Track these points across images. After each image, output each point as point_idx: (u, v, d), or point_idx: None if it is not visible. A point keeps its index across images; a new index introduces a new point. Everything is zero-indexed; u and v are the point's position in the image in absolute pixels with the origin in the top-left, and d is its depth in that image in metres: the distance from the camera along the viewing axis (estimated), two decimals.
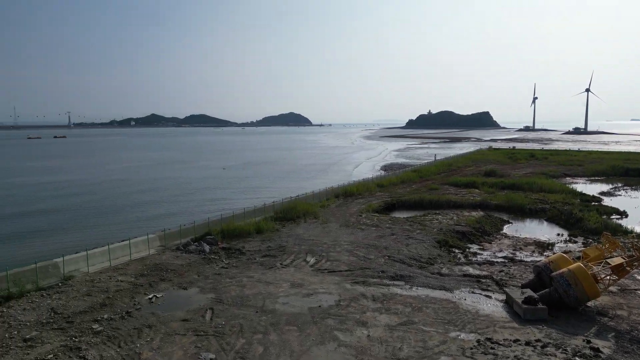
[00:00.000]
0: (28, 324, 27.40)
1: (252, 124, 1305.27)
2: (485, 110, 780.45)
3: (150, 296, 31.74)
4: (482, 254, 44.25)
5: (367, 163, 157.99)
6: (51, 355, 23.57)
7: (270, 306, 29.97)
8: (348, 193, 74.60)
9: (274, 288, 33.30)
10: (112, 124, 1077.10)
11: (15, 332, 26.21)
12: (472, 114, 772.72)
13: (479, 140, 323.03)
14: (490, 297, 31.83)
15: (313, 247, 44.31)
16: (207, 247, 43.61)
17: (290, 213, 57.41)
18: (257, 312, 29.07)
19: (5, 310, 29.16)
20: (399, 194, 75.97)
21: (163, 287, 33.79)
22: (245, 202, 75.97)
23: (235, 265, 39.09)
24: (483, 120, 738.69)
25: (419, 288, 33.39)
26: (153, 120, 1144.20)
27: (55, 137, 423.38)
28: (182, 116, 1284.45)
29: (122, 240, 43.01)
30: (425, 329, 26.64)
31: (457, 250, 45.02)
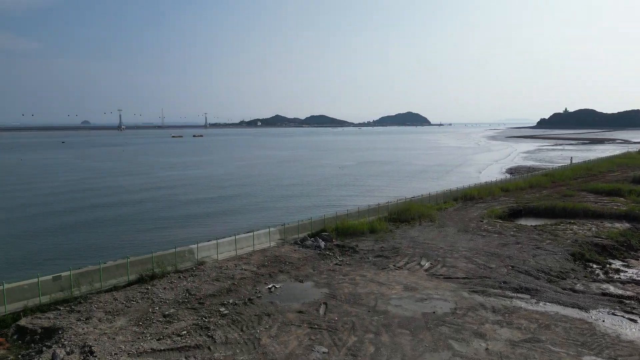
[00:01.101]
0: (167, 301, 30.99)
1: (368, 124, 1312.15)
2: (636, 108, 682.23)
3: (269, 286, 33.72)
4: (626, 271, 38.73)
5: (490, 165, 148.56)
6: (185, 332, 26.33)
7: (382, 307, 29.82)
8: (468, 196, 70.92)
9: (386, 289, 33.06)
10: (241, 124, 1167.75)
11: (157, 308, 29.83)
12: (619, 113, 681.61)
13: (626, 142, 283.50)
14: (636, 321, 27.72)
15: (428, 250, 43.01)
16: (322, 243, 44.94)
17: (404, 214, 56.46)
18: (369, 311, 29.13)
19: (149, 287, 33.36)
20: (526, 199, 70.01)
21: (281, 278, 35.64)
22: (360, 201, 76.60)
23: (348, 263, 39.66)
24: (632, 120, 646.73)
25: (547, 304, 30.39)
26: (277, 121, 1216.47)
27: (194, 135, 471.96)
28: (303, 117, 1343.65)
29: (247, 232, 46.33)
30: (554, 349, 24.15)
31: (595, 266, 40.04)
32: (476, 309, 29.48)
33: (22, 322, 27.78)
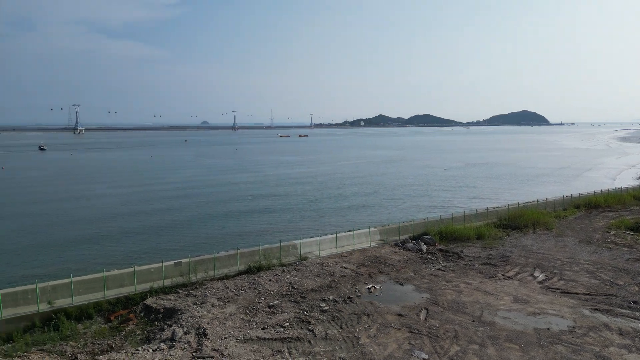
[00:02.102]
0: (272, 293, 32.55)
1: (478, 124, 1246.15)
2: None
3: (369, 286, 33.69)
4: None
5: (625, 170, 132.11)
6: (287, 324, 27.42)
7: (488, 318, 28.11)
8: (592, 204, 63.81)
9: (493, 299, 31.10)
10: (344, 124, 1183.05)
11: (263, 299, 31.48)
12: None
13: None
14: None
15: (542, 261, 39.56)
16: (424, 247, 43.71)
17: (516, 221, 52.59)
18: (473, 321, 27.65)
19: (256, 278, 35.33)
20: None
21: (381, 279, 35.40)
22: (466, 204, 73.07)
23: (452, 269, 38.06)
24: None
25: None
26: (380, 121, 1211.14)
27: (299, 135, 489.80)
28: (406, 116, 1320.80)
29: (348, 231, 46.81)
30: None
31: None
32: (599, 329, 26.42)
33: (148, 301, 31.20)
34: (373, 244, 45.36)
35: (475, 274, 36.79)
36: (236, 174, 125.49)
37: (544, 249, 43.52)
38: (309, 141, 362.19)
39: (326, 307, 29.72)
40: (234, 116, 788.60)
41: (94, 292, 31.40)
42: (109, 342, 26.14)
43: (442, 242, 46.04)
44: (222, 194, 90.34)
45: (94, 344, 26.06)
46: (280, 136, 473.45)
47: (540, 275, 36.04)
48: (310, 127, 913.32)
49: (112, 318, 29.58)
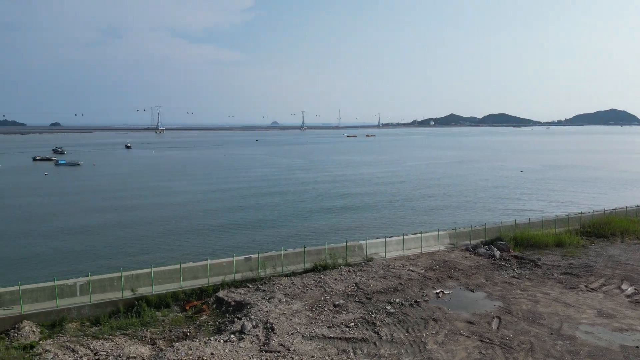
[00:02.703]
0: (337, 292, 32.70)
1: (559, 123, 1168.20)
2: None
3: (437, 291, 32.76)
4: None
5: None
6: (352, 324, 27.40)
7: (568, 331, 26.23)
8: None
9: (574, 312, 28.98)
10: (414, 123, 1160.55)
11: (328, 297, 31.72)
12: None
13: None
14: None
15: (632, 273, 36.22)
16: (497, 253, 41.72)
17: (602, 228, 48.62)
18: (551, 333, 25.94)
19: (322, 277, 35.67)
20: None
21: (450, 284, 34.30)
22: (544, 209, 68.77)
23: (528, 277, 35.97)
24: None
25: None
26: (451, 120, 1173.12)
27: (366, 135, 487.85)
28: (480, 115, 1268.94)
29: (415, 233, 45.86)
30: None
31: None
32: None
33: (220, 293, 32.61)
34: (442, 247, 44.06)
35: (553, 283, 34.51)
36: (304, 173, 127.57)
37: (634, 260, 39.84)
38: (376, 141, 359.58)
39: (392, 310, 29.33)
40: (303, 116, 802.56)
41: (172, 283, 33.39)
42: (184, 330, 27.66)
43: (517, 248, 43.68)
44: (290, 192, 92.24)
45: (171, 331, 27.69)
46: (348, 136, 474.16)
47: (629, 289, 33.04)
48: (377, 126, 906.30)
49: (187, 308, 31.26)
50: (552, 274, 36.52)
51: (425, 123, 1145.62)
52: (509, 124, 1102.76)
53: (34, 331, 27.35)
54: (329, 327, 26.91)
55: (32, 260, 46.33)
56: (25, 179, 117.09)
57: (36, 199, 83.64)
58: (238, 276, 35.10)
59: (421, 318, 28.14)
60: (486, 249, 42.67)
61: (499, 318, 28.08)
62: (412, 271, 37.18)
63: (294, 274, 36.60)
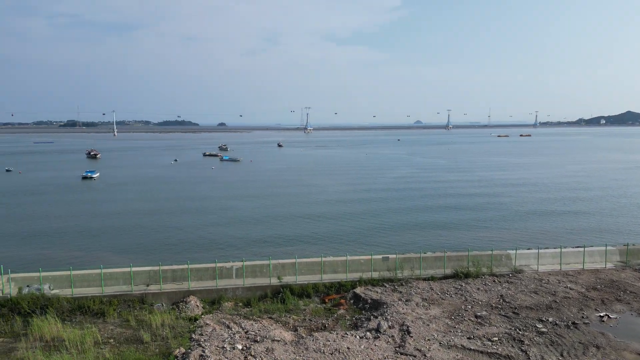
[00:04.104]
0: (480, 303, 30.74)
1: None
2: None
3: (601, 314, 28.60)
4: None
5: None
6: (496, 338, 25.49)
7: None
8: None
9: None
10: (579, 122, 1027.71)
11: (470, 307, 30.02)
12: None
13: None
14: None
15: None
16: None
17: None
18: None
19: (463, 285, 33.90)
20: None
21: (618, 308, 29.64)
22: None
23: None
24: None
25: None
26: (627, 119, 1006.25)
27: (520, 135, 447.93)
28: None
29: (576, 247, 40.72)
30: None
31: None
32: None
33: (358, 290, 33.28)
34: (609, 265, 38.28)
35: None
36: (446, 174, 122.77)
37: None
38: (531, 142, 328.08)
39: (544, 329, 26.48)
40: (448, 115, 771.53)
41: (313, 274, 35.21)
42: (323, 321, 28.94)
43: None
44: (431, 192, 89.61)
45: (311, 320, 29.21)
46: (499, 136, 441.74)
47: None
48: (534, 126, 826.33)
49: (326, 300, 32.64)
50: None
51: (593, 122, 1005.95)
52: None
53: (197, 306, 31.42)
54: (469, 339, 25.48)
55: (199, 242, 53.20)
56: (197, 171, 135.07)
57: (205, 188, 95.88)
58: (375, 275, 35.38)
59: (579, 342, 24.87)
60: None
61: None
62: (570, 289, 33.07)
63: (432, 278, 35.52)
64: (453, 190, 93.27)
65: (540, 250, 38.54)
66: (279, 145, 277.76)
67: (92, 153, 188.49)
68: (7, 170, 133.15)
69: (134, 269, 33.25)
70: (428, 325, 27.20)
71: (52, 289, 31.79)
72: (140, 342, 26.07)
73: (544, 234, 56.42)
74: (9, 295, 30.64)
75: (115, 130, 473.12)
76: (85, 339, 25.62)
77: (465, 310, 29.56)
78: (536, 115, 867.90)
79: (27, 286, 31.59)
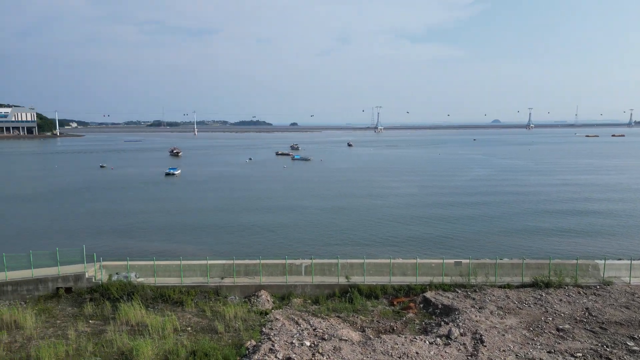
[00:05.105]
0: (562, 315, 28.64)
1: None
2: None
3: None
4: None
5: None
6: (580, 354, 23.61)
7: None
8: None
9: None
10: None
11: (550, 319, 28.06)
12: None
13: None
14: None
15: None
16: None
17: None
18: None
19: (544, 295, 31.77)
20: None
21: None
22: None
23: None
24: None
25: None
26: None
27: (612, 135, 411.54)
28: None
29: None
30: None
31: None
32: None
33: (428, 294, 32.41)
34: None
35: None
36: (526, 176, 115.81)
37: None
38: (625, 142, 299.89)
39: (636, 347, 24.11)
40: (530, 113, 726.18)
41: (381, 276, 34.83)
42: (391, 324, 28.53)
43: None
44: (508, 194, 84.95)
45: (379, 322, 28.93)
46: (587, 136, 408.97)
47: None
48: (628, 125, 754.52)
49: (395, 302, 32.15)
50: None
51: None
52: None
53: (268, 300, 32.35)
54: (549, 352, 23.84)
55: (269, 238, 54.73)
56: (269, 169, 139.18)
57: (276, 187, 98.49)
58: (447, 279, 34.25)
59: None
60: None
61: None
62: None
63: (509, 286, 33.68)
64: (532, 192, 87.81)
65: (633, 262, 35.11)
66: (349, 145, 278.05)
67: (174, 151, 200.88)
68: (102, 167, 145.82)
69: (209, 262, 34.96)
70: (503, 335, 25.83)
71: (138, 277, 34.31)
72: (215, 332, 27.36)
73: (637, 244, 51.36)
74: (100, 282, 33.53)
75: (196, 129, 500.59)
76: (165, 326, 27.37)
77: (546, 322, 27.69)
78: (631, 114, 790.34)
79: (116, 274, 34.38)
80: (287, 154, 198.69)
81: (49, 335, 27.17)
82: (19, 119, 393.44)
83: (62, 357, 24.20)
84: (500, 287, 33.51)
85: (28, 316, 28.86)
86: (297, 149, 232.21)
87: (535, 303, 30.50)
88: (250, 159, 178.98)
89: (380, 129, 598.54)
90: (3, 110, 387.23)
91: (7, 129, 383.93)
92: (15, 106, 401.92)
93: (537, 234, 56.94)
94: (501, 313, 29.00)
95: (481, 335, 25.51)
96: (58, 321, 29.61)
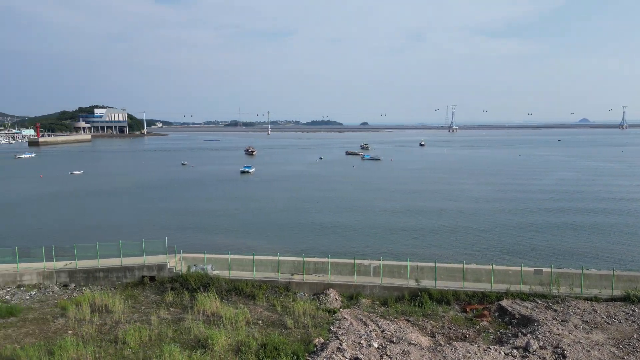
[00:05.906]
0: None
1: None
2: None
3: None
4: None
5: None
6: None
7: None
8: None
9: None
10: None
11: None
12: None
13: None
14: None
15: None
16: None
17: None
18: None
19: (637, 310, 28.86)
20: None
21: None
22: None
23: None
24: None
25: None
26: None
27: None
28: None
29: None
30: None
31: None
32: None
33: (504, 303, 30.77)
34: None
35: None
36: (618, 179, 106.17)
37: None
38: None
39: None
40: (623, 112, 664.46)
41: (453, 281, 33.61)
42: (463, 331, 27.47)
43: None
44: (595, 199, 78.38)
45: (450, 328, 27.96)
46: None
47: None
48: None
49: (467, 309, 30.89)
50: None
51: None
52: None
53: (336, 299, 32.52)
54: None
55: (338, 237, 54.98)
56: (339, 169, 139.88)
57: (345, 186, 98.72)
58: (525, 288, 32.29)
59: None
60: None
61: None
62: None
63: (596, 299, 31.04)
64: (624, 202, 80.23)
65: None
66: (421, 145, 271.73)
67: (249, 150, 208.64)
68: (183, 164, 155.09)
69: (280, 258, 35.85)
70: (589, 351, 23.86)
71: (214, 270, 36.03)
72: (285, 327, 28.00)
73: None
74: (180, 272, 35.66)
75: (269, 129, 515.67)
76: (238, 318, 28.48)
77: (638, 339, 25.18)
78: None
79: (194, 265, 36.36)
80: (357, 154, 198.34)
81: (135, 320, 29.36)
82: (112, 119, 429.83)
83: (145, 341, 26.03)
84: (586, 299, 30.99)
85: (117, 301, 31.37)
86: (367, 148, 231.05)
87: (626, 319, 27.85)
88: (321, 158, 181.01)
89: (455, 129, 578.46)
90: (99, 111, 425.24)
91: (102, 128, 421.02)
92: (108, 107, 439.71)
93: (628, 243, 52.01)
94: (587, 328, 26.81)
95: (563, 350, 23.76)
96: (143, 307, 31.91)
